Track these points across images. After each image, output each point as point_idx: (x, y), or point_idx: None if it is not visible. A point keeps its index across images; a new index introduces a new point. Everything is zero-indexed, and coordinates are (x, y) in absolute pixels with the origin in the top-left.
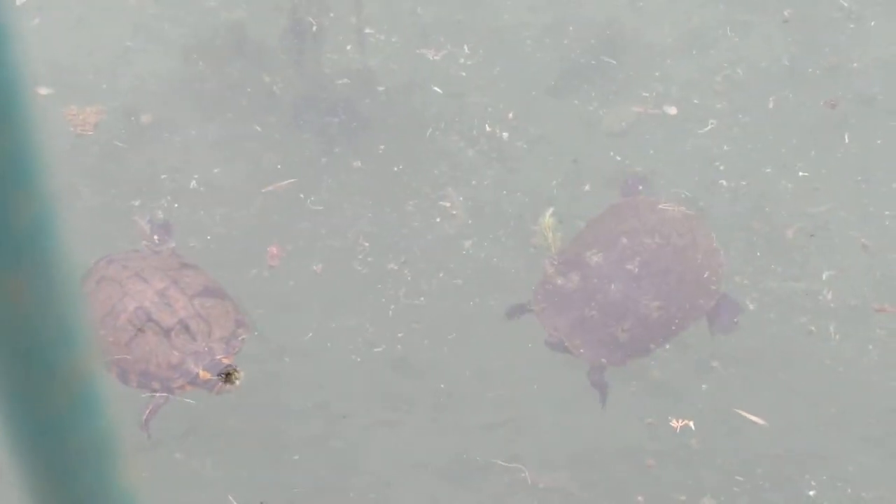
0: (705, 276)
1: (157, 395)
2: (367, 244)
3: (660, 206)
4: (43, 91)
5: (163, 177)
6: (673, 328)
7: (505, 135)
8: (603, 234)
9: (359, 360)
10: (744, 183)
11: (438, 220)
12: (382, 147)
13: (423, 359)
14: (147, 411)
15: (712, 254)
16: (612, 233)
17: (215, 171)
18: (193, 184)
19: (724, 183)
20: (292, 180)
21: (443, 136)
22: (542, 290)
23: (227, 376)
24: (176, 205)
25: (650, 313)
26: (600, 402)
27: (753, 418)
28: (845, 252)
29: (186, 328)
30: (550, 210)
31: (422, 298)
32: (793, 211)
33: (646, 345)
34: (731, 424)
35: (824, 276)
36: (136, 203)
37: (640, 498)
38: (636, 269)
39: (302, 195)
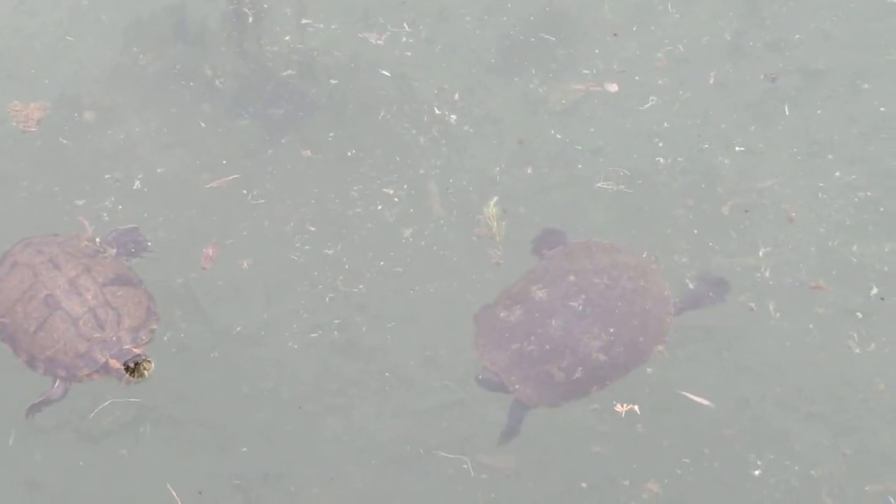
0: (652, 322)
1: (55, 387)
2: (312, 229)
3: (612, 247)
4: None
5: (106, 176)
6: (613, 371)
7: (453, 117)
8: (552, 271)
9: (297, 346)
10: (681, 160)
11: (380, 207)
12: (332, 134)
13: (368, 345)
14: (40, 399)
15: (662, 301)
16: (561, 270)
17: (159, 170)
18: (137, 184)
19: (662, 160)
20: (236, 176)
21: (394, 121)
22: (483, 322)
23: (136, 367)
24: (120, 206)
25: (590, 353)
26: (502, 436)
27: (699, 399)
28: (782, 228)
29: (95, 317)
30: (494, 199)
31: (361, 286)
32: (729, 187)
33: (584, 387)
34: (678, 406)
35: (761, 253)
36: (80, 202)
37: (583, 484)
38: (580, 307)
39: (244, 190)
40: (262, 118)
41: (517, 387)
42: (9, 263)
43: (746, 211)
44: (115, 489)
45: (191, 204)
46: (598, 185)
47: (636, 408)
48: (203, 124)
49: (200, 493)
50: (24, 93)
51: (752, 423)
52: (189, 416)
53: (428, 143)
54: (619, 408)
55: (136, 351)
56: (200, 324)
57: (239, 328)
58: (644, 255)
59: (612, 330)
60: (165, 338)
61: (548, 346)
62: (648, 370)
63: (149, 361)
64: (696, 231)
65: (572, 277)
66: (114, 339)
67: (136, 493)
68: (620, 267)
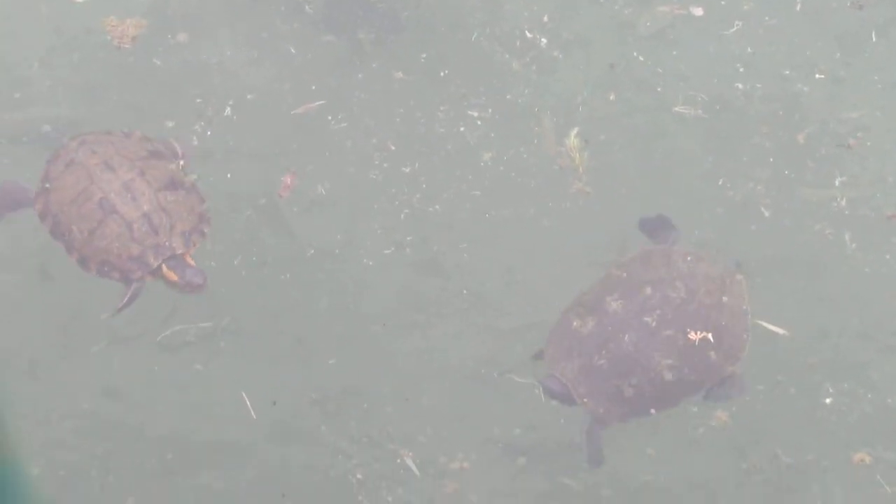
0: (727, 339)
1: (134, 286)
2: (393, 147)
3: (694, 256)
4: None
5: (197, 100)
6: (683, 390)
7: (543, 41)
8: (628, 280)
9: (373, 263)
10: (759, 86)
11: (462, 129)
12: (424, 56)
13: (446, 264)
14: (123, 301)
15: (739, 317)
16: (638, 280)
17: (249, 96)
18: (228, 111)
19: (740, 86)
20: (321, 102)
21: (487, 43)
22: (556, 332)
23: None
24: (209, 132)
25: (661, 371)
26: (587, 460)
27: (776, 329)
28: (858, 157)
29: (149, 222)
30: (575, 130)
31: (437, 206)
32: (807, 115)
33: (650, 404)
34: (754, 335)
35: (837, 182)
36: (170, 124)
37: (651, 410)
38: (654, 323)
39: (329, 116)
40: (352, 42)
41: (585, 400)
42: (63, 161)
43: (816, 137)
44: (192, 399)
45: (276, 130)
46: (676, 109)
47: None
48: (293, 50)
49: (275, 403)
50: (119, 9)
51: (831, 354)
52: (268, 329)
53: (520, 68)
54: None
55: (191, 262)
56: (282, 239)
57: (318, 244)
58: (727, 266)
59: (684, 348)
60: (237, 260)
61: (619, 362)
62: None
63: (202, 274)
64: (772, 159)
65: (648, 290)
66: (166, 244)
67: (212, 404)
68: (699, 279)
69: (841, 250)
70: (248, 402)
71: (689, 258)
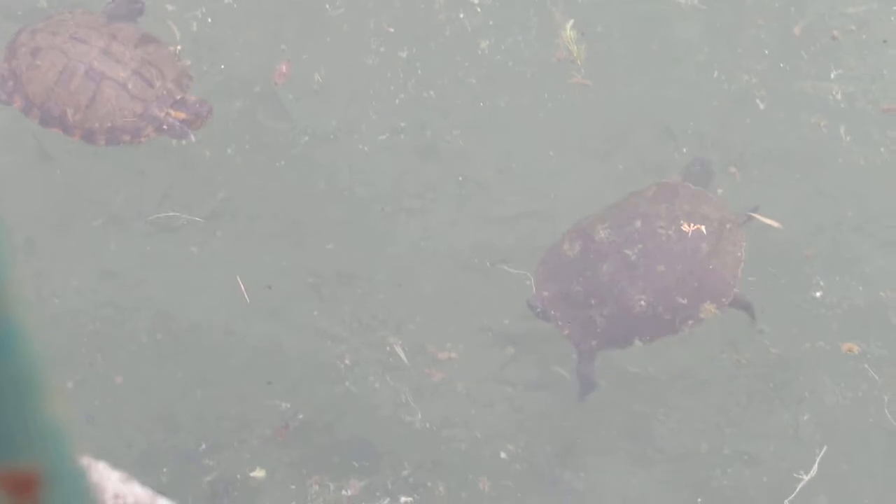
0: (710, 283)
1: (177, 124)
2: (391, 30)
3: (700, 197)
4: None
5: None
6: (660, 327)
7: None
8: (626, 210)
9: (368, 148)
10: None
11: (462, 15)
12: None
13: (437, 150)
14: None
15: (730, 263)
16: (633, 213)
17: None
18: None
19: None
20: None
21: None
22: (549, 251)
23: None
24: (209, 19)
25: (633, 306)
26: (579, 396)
27: (769, 221)
28: (854, 50)
29: (141, 76)
30: (571, 22)
31: (432, 92)
32: (803, 8)
33: (625, 336)
34: (748, 228)
35: (832, 76)
36: (171, 8)
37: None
38: (633, 257)
39: (327, 5)
40: None
41: (560, 324)
42: (26, 51)
43: (812, 30)
44: (186, 280)
45: (274, 16)
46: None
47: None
48: None
49: (270, 287)
50: None
51: (825, 247)
52: (263, 212)
53: None
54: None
55: (192, 97)
56: (277, 124)
57: (313, 130)
58: (730, 212)
59: (661, 285)
60: (230, 148)
61: (592, 291)
62: (720, 190)
63: (206, 103)
64: (767, 52)
65: (638, 223)
66: (164, 92)
67: (205, 286)
68: (695, 219)
69: (836, 144)
70: (242, 286)
71: (695, 197)
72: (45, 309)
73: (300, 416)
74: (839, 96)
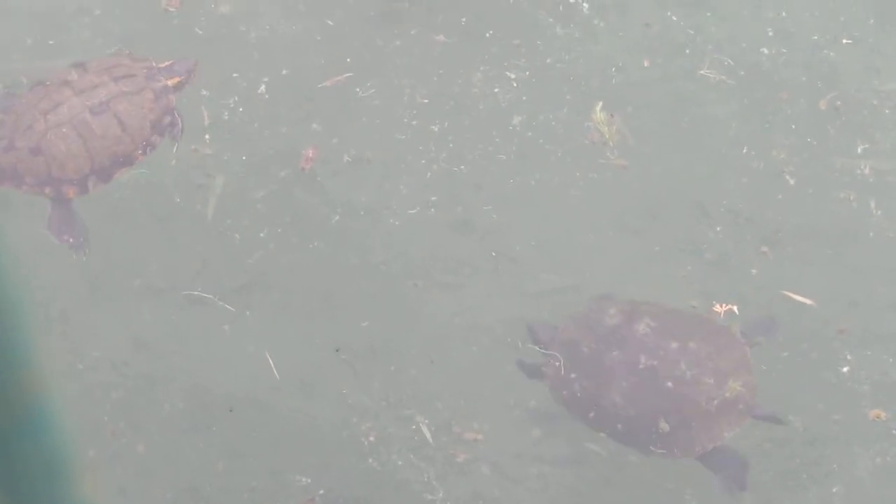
0: (699, 429)
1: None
2: (425, 101)
3: (715, 332)
4: None
5: (234, 75)
6: (627, 438)
7: (585, 6)
8: (677, 323)
9: (399, 223)
10: (784, 51)
11: (496, 90)
12: (464, 20)
13: (478, 224)
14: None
15: (722, 426)
16: (681, 330)
17: (284, 72)
18: (262, 88)
19: (766, 51)
20: (349, 74)
21: (528, 5)
22: (594, 306)
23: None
24: (241, 108)
25: (610, 406)
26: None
27: (802, 299)
28: (879, 124)
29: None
30: (600, 104)
31: (462, 167)
32: (829, 82)
33: (592, 419)
34: (782, 305)
35: (860, 150)
36: (205, 93)
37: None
38: (642, 366)
39: (357, 88)
40: (388, 13)
41: (550, 360)
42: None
43: (838, 104)
44: (216, 352)
45: (305, 102)
46: (701, 72)
47: (735, 308)
48: (330, 23)
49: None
50: None
51: (859, 322)
52: (298, 285)
53: (563, 34)
54: (717, 308)
55: (170, 61)
56: (309, 203)
57: (345, 205)
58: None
59: (643, 406)
60: (263, 232)
61: (593, 361)
62: (753, 271)
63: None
64: (794, 126)
65: (675, 344)
66: (157, 76)
67: (236, 358)
68: (709, 369)
69: (867, 218)
70: (271, 361)
71: (714, 331)
72: (78, 381)
73: (321, 492)
74: (867, 170)
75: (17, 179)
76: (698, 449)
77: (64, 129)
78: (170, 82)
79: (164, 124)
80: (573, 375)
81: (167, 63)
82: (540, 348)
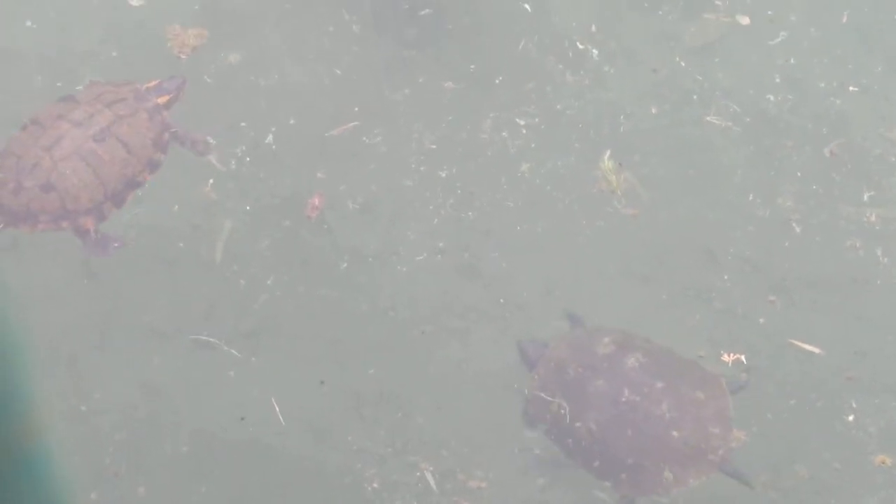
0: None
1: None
2: (433, 147)
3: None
4: (134, 2)
5: (242, 124)
6: (592, 466)
7: (595, 52)
8: (666, 364)
9: (406, 269)
10: (790, 97)
11: (505, 134)
12: (473, 66)
13: (485, 271)
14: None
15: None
16: (667, 370)
17: (291, 121)
18: (270, 138)
19: (772, 98)
20: (356, 123)
21: (537, 52)
22: (589, 332)
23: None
24: (248, 158)
25: (583, 437)
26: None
27: (810, 348)
28: (884, 172)
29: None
30: (608, 153)
31: (470, 213)
32: (835, 129)
33: (566, 449)
34: (790, 353)
35: (865, 198)
36: (213, 141)
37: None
38: (623, 400)
39: (365, 137)
40: (396, 61)
41: (534, 379)
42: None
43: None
44: (222, 397)
45: (311, 152)
46: (708, 119)
47: (742, 357)
48: (338, 71)
49: (307, 406)
50: (173, 16)
51: (867, 371)
52: (306, 331)
53: (573, 80)
54: (725, 357)
55: (158, 80)
56: (315, 251)
57: (352, 252)
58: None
59: (617, 445)
60: (269, 280)
61: (576, 385)
62: (761, 320)
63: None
64: (799, 174)
65: (660, 384)
66: (148, 95)
67: (241, 403)
68: (671, 398)
69: (874, 266)
70: (277, 407)
71: (703, 377)
72: (82, 423)
73: None
74: (874, 218)
75: (32, 219)
76: (661, 490)
77: (72, 162)
78: (160, 100)
79: (164, 141)
80: (554, 394)
81: (155, 82)
82: (525, 361)
